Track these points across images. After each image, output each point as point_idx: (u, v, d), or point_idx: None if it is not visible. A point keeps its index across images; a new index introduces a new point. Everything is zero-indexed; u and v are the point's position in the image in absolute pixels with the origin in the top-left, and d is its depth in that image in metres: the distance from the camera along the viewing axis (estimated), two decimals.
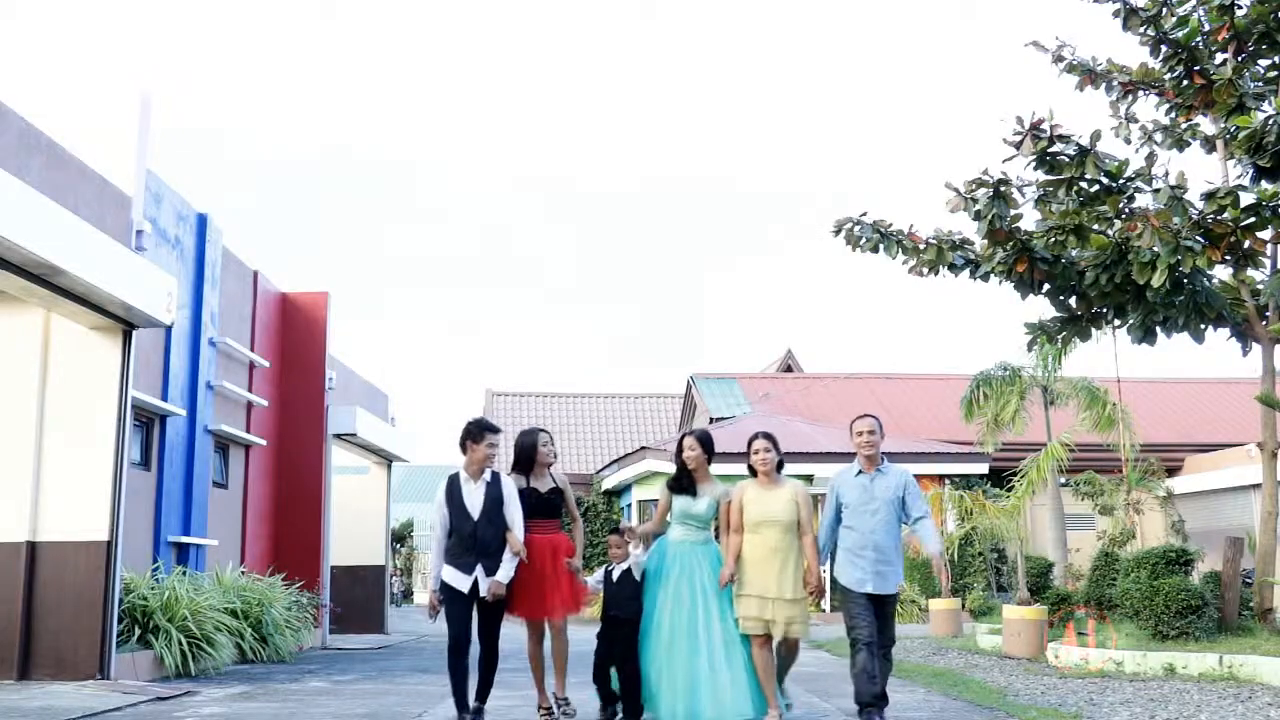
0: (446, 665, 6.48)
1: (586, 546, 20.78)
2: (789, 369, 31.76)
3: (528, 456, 6.85)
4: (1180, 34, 11.18)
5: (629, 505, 24.45)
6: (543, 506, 6.76)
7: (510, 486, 6.59)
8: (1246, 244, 10.51)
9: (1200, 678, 9.10)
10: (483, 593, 6.34)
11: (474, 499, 6.47)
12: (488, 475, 6.55)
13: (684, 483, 6.66)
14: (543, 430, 7.00)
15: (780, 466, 6.64)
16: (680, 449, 6.76)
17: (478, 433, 6.56)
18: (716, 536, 6.71)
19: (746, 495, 6.55)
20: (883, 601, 6.45)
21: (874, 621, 6.38)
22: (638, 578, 6.56)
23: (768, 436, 6.67)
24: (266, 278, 15.17)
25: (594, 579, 6.78)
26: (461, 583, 6.40)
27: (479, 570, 6.38)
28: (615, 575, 6.66)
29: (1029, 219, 11.26)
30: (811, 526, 6.48)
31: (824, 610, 16.45)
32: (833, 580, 6.70)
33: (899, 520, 6.55)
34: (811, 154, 66.14)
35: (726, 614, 6.40)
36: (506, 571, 6.40)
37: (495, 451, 6.57)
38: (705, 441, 6.74)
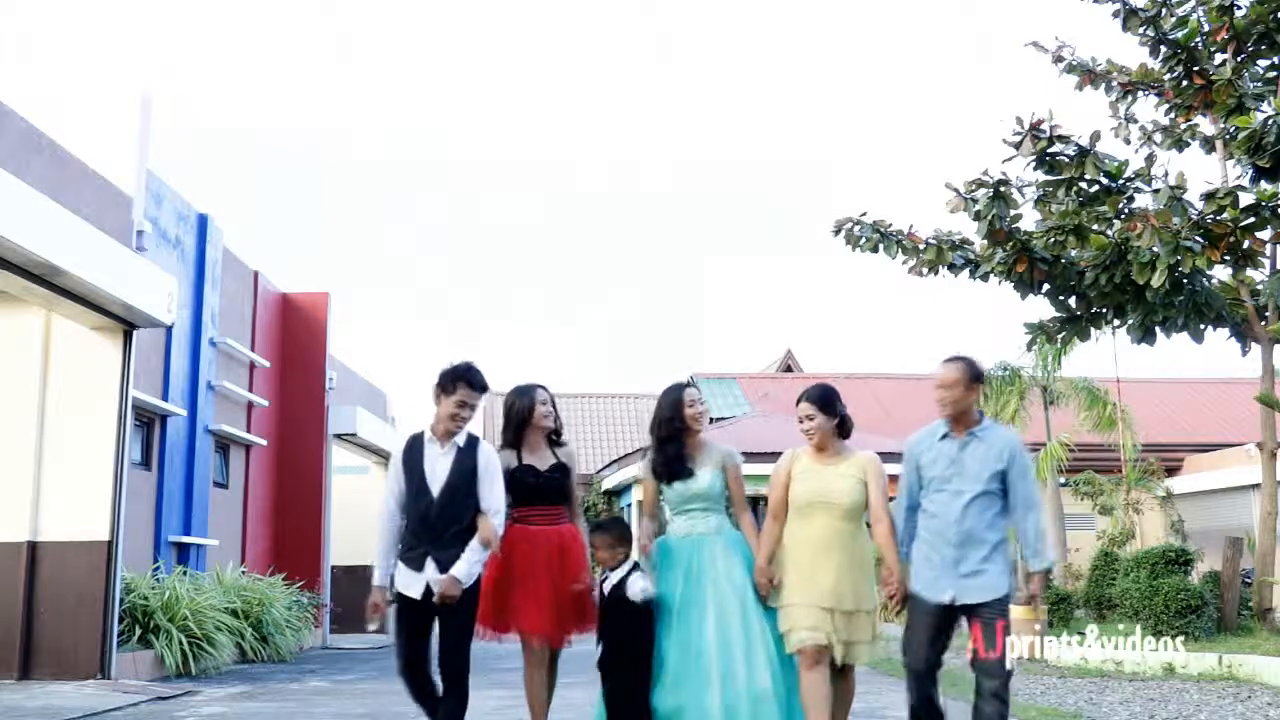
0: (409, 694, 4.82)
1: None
2: (789, 369, 31.78)
3: (520, 421, 5.23)
4: (1180, 34, 11.20)
5: (629, 505, 24.45)
6: (544, 490, 5.16)
7: (491, 457, 4.86)
8: (1246, 244, 10.54)
9: (1200, 677, 9.11)
10: (435, 595, 4.66)
11: (437, 468, 4.75)
12: (461, 439, 4.81)
13: (674, 465, 4.93)
14: (540, 386, 5.30)
15: (845, 432, 4.87)
16: (680, 405, 4.99)
17: (449, 382, 4.78)
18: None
19: (796, 467, 4.82)
20: (975, 614, 4.52)
21: (937, 646, 4.63)
22: (635, 598, 4.84)
23: (816, 398, 4.83)
24: (267, 278, 15.18)
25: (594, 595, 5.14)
26: (411, 585, 4.69)
27: (430, 566, 4.66)
28: (606, 589, 4.98)
29: (1029, 219, 11.30)
30: (887, 511, 4.75)
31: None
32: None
33: (1001, 503, 4.64)
34: (810, 153, 66.16)
35: (752, 615, 4.75)
36: (467, 567, 4.64)
37: (469, 415, 4.81)
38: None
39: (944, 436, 4.74)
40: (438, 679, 4.73)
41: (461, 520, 4.70)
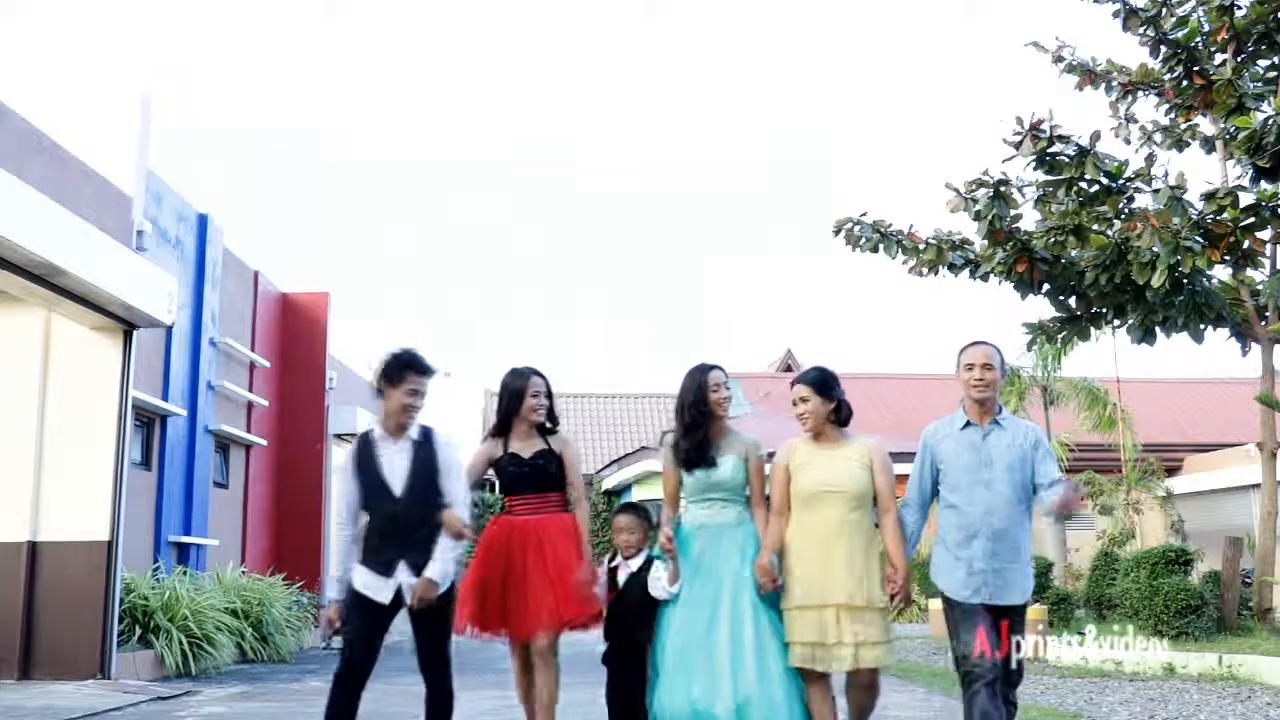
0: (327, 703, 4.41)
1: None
2: (789, 369, 31.79)
3: (510, 408, 4.92)
4: (1180, 34, 11.20)
5: (621, 508, 24.44)
6: (528, 478, 4.88)
7: (450, 446, 4.61)
8: (1246, 244, 10.54)
9: (1200, 677, 9.11)
10: (408, 600, 4.41)
11: (395, 466, 4.48)
12: (415, 432, 4.54)
13: (701, 450, 4.63)
14: (536, 373, 4.96)
15: (844, 419, 4.60)
16: (704, 390, 4.68)
17: (395, 373, 4.48)
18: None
19: (796, 457, 4.56)
20: (1003, 617, 4.34)
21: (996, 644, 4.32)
22: (658, 595, 4.57)
23: (811, 381, 4.59)
24: (267, 278, 15.19)
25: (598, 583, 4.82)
26: (379, 590, 4.42)
27: (402, 570, 4.40)
28: (622, 577, 4.72)
29: (1029, 219, 11.31)
30: (895, 501, 4.51)
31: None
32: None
33: (1028, 494, 4.42)
34: (811, 153, 66.17)
35: (763, 617, 4.44)
36: (441, 566, 4.40)
37: (420, 404, 4.54)
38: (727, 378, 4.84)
39: (966, 426, 4.48)
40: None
41: (432, 518, 4.44)
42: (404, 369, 4.49)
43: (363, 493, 4.52)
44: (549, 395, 4.98)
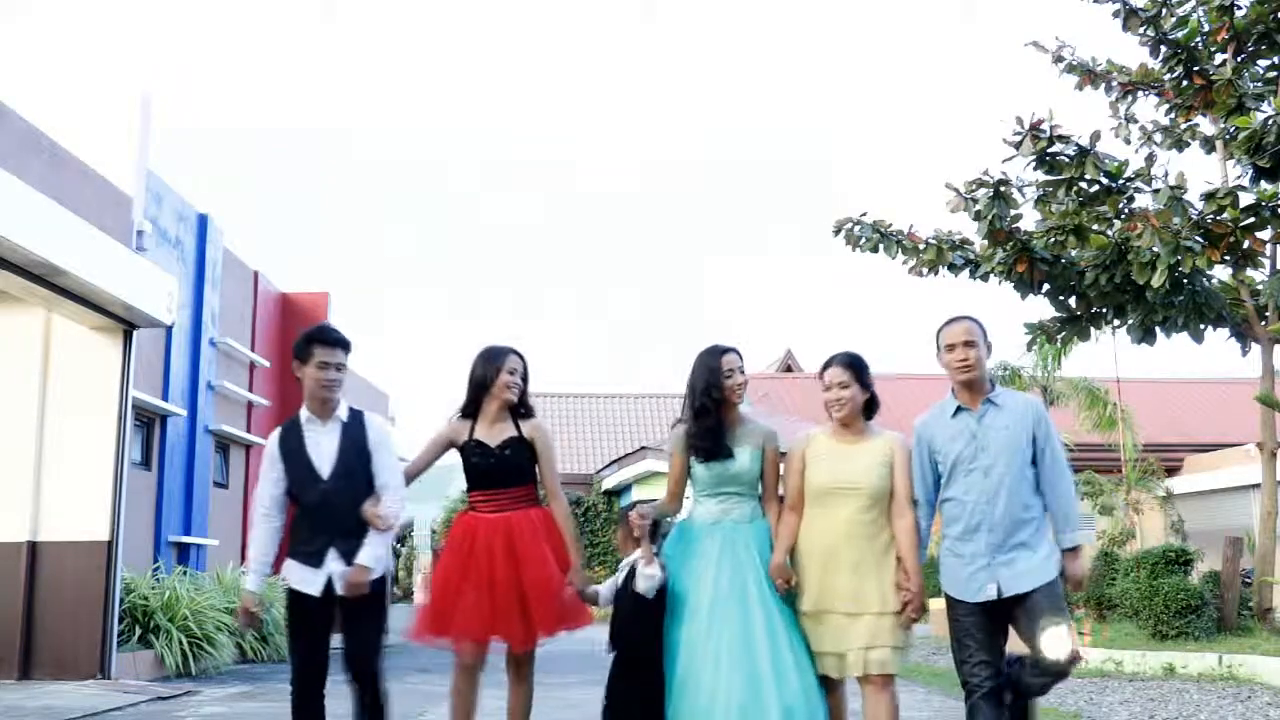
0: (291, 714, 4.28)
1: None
2: (789, 369, 31.78)
3: (479, 385, 4.53)
4: (1180, 34, 11.19)
5: (627, 506, 24.45)
6: (495, 470, 4.48)
7: (382, 428, 4.38)
8: (1246, 244, 10.53)
9: (1200, 677, 9.10)
10: (339, 589, 4.14)
11: (323, 449, 4.23)
12: (344, 413, 4.30)
13: (714, 438, 4.28)
14: (513, 351, 4.57)
15: (871, 410, 4.29)
16: (718, 374, 4.31)
17: (302, 350, 4.25)
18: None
19: (812, 449, 4.25)
20: (1016, 609, 3.99)
21: (996, 653, 4.03)
22: (639, 588, 4.20)
23: (850, 364, 4.23)
24: (267, 278, 15.19)
25: (605, 587, 4.42)
26: (309, 582, 4.19)
27: (332, 558, 4.16)
28: (620, 578, 4.39)
29: (1029, 219, 11.29)
30: (912, 504, 4.16)
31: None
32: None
33: (1033, 476, 4.11)
34: (811, 153, 66.24)
35: (792, 625, 4.17)
36: (373, 551, 4.15)
37: (336, 376, 4.28)
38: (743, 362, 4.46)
39: (957, 412, 4.14)
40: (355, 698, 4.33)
41: (363, 502, 4.21)
42: (309, 344, 4.26)
43: (289, 477, 4.28)
44: (525, 378, 4.58)
